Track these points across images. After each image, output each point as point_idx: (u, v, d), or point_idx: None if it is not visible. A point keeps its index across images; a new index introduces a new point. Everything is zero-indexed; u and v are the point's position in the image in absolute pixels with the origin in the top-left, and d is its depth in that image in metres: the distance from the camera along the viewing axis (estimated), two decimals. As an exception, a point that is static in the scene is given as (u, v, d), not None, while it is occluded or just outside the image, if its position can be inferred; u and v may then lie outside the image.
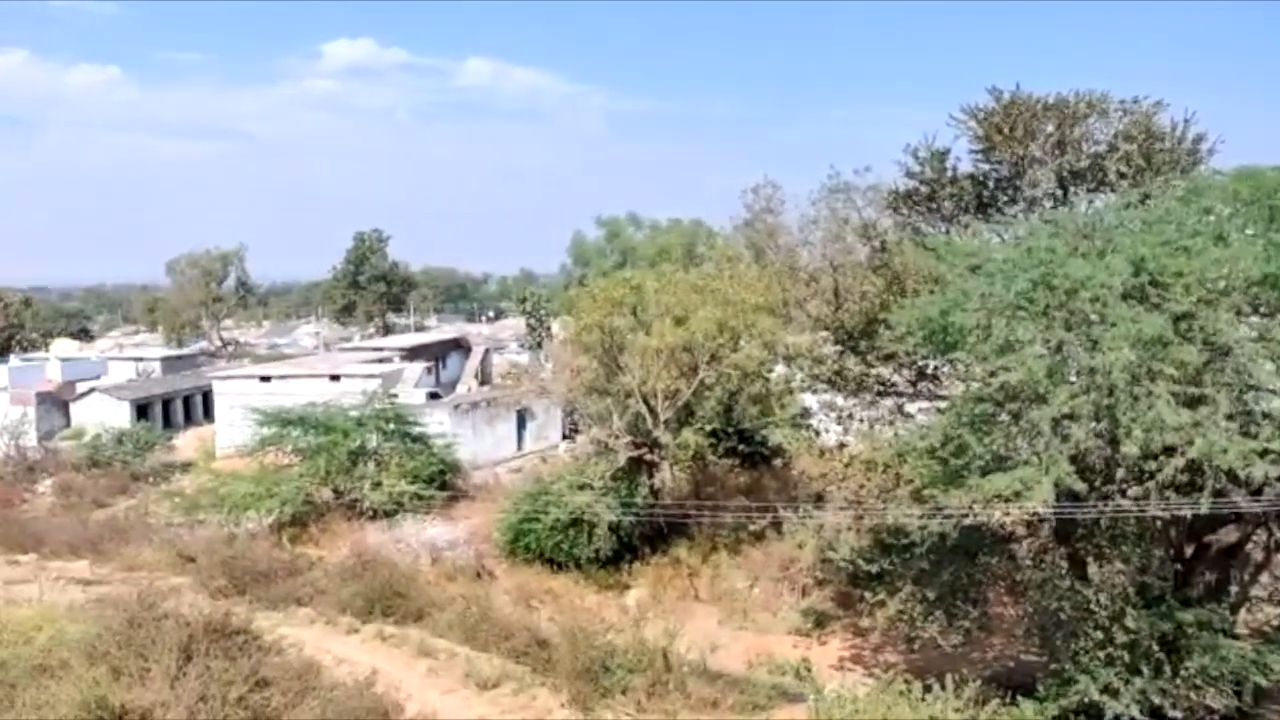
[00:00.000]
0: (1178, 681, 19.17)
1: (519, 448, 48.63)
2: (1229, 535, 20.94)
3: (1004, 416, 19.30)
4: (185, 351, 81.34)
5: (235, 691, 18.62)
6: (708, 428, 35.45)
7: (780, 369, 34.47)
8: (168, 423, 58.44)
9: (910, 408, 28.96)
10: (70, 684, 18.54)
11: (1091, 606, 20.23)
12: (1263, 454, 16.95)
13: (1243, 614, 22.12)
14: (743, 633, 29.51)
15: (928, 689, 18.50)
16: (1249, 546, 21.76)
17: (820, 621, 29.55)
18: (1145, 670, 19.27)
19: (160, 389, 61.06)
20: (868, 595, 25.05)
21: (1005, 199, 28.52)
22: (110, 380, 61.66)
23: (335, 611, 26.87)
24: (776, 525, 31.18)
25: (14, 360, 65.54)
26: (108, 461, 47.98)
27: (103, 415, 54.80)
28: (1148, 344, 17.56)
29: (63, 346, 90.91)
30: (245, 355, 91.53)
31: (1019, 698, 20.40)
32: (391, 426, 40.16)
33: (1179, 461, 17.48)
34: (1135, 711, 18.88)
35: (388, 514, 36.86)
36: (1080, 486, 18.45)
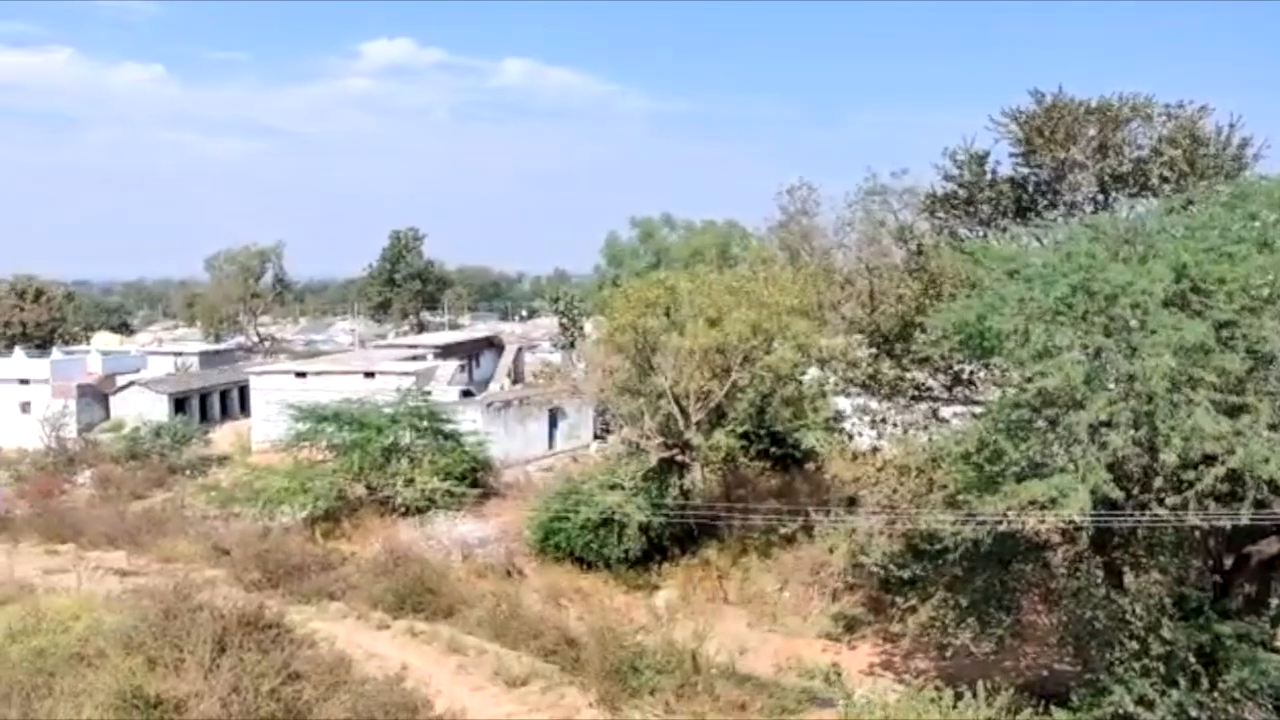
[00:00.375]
0: (1215, 695, 18.82)
1: (550, 447, 48.76)
2: (1270, 546, 20.52)
3: (1040, 422, 19.07)
4: (223, 347, 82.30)
5: (268, 684, 18.81)
6: (740, 429, 35.35)
7: (814, 372, 34.29)
8: (205, 417, 59.17)
9: (945, 412, 28.67)
10: (107, 673, 18.82)
11: (1127, 616, 19.94)
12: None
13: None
14: (772, 636, 29.39)
15: (959, 696, 18.34)
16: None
17: (851, 626, 29.36)
18: (1182, 682, 18.95)
19: (198, 383, 61.85)
20: (899, 601, 24.87)
21: (1045, 203, 28.15)
22: (149, 374, 62.51)
23: (367, 607, 27.09)
24: (807, 529, 31.02)
25: (56, 353, 66.60)
26: (146, 454, 48.69)
27: (141, 408, 55.62)
28: (1189, 351, 17.29)
29: (103, 340, 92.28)
30: (282, 351, 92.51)
31: (1052, 707, 20.15)
32: (424, 424, 40.40)
33: (1219, 471, 17.19)
34: (1171, 724, 18.59)
35: (420, 510, 37.09)
36: (1117, 494, 18.20)
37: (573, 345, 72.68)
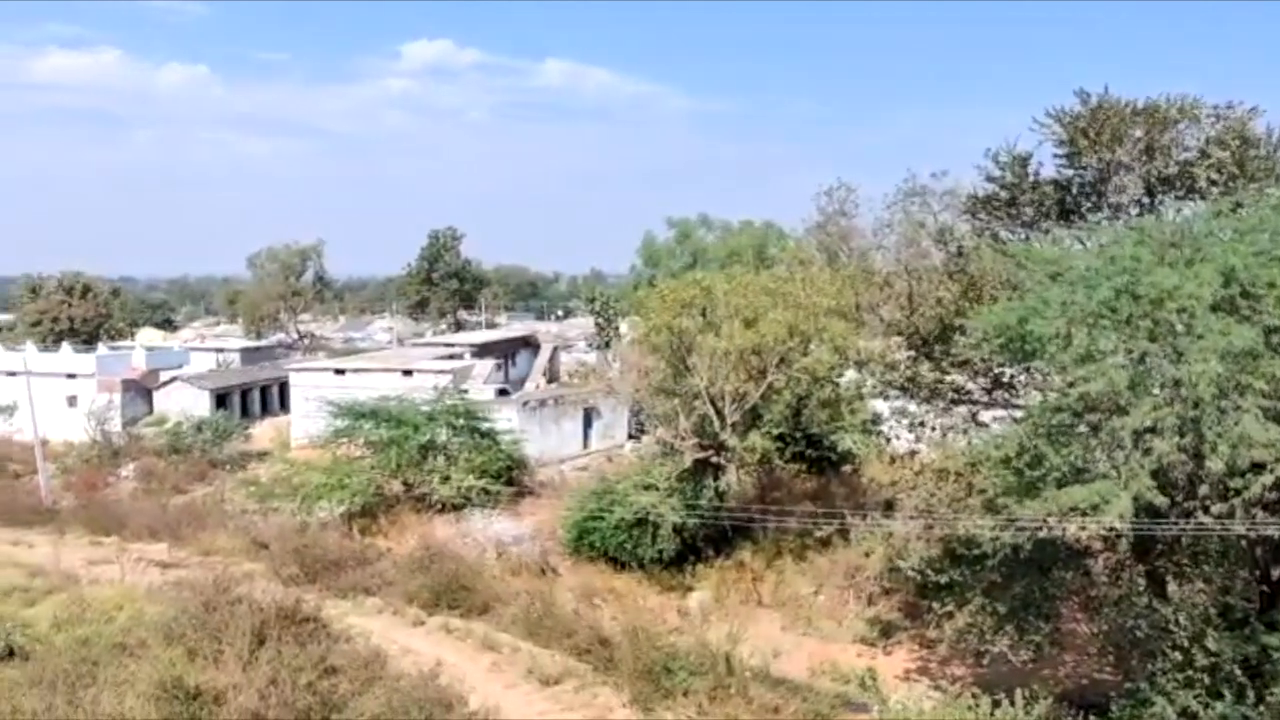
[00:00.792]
0: (1261, 708, 18.47)
1: (585, 446, 48.86)
2: (1320, 557, 20.13)
3: (1083, 428, 18.83)
4: (263, 343, 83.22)
5: (304, 677, 18.97)
6: (775, 431, 35.21)
7: (851, 374, 34.06)
8: (245, 412, 59.85)
9: (984, 416, 28.39)
10: (148, 663, 19.09)
11: (1170, 626, 19.62)
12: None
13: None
14: (806, 639, 29.24)
15: (996, 704, 18.15)
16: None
17: (886, 631, 29.15)
18: (1227, 695, 18.60)
19: (239, 379, 62.64)
20: (936, 606, 24.64)
21: (1089, 205, 27.74)
22: (192, 370, 63.43)
23: (402, 602, 27.26)
24: (843, 532, 30.84)
25: (102, 349, 67.73)
26: (187, 449, 49.34)
27: (184, 403, 56.41)
28: (1237, 357, 17.00)
29: (148, 336, 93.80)
30: (321, 348, 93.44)
31: (1091, 717, 19.89)
32: (461, 421, 40.63)
33: (1267, 479, 16.90)
34: (1215, 737, 18.27)
35: (456, 508, 37.32)
36: (1161, 502, 17.92)
37: (608, 345, 72.82)
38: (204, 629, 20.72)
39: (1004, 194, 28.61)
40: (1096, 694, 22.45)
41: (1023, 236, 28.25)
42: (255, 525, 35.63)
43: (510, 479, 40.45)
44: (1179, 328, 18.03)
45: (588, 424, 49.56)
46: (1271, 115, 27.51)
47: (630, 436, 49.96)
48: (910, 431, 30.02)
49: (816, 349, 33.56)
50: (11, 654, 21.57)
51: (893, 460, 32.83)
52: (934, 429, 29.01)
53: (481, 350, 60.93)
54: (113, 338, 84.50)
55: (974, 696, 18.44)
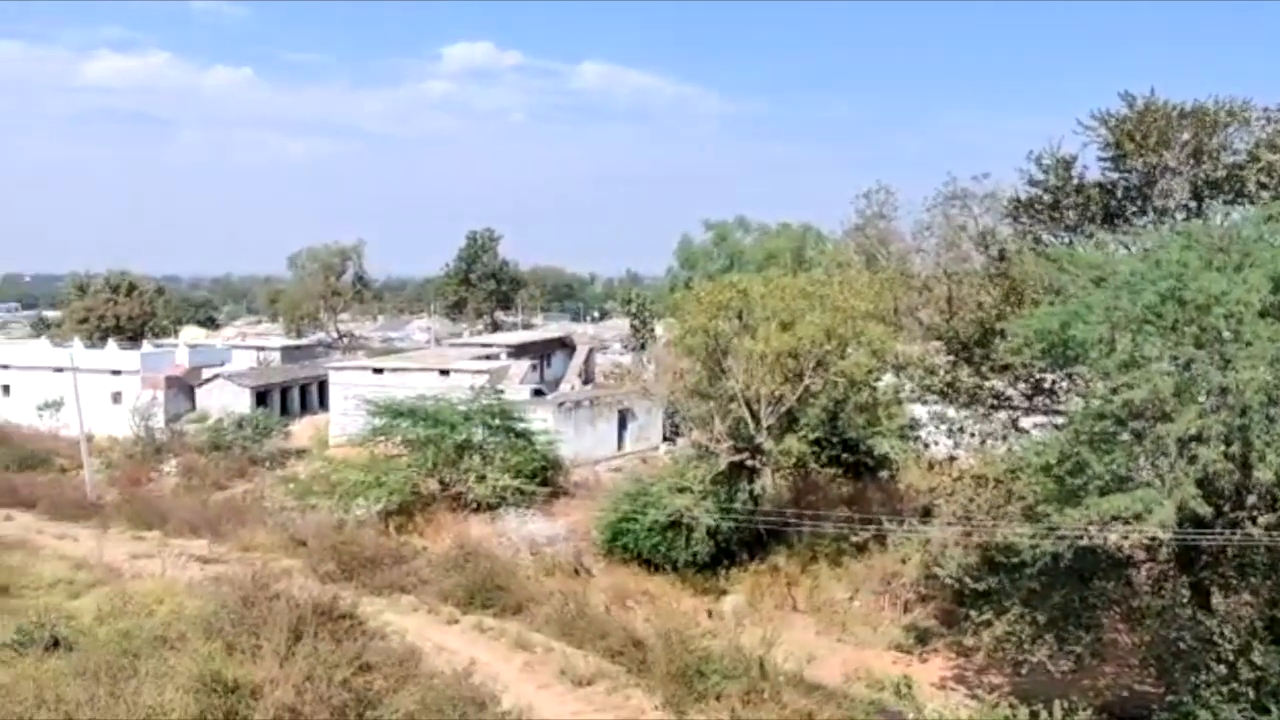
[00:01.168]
0: (1309, 724, 18.07)
1: (619, 447, 48.89)
2: (1372, 571, 19.65)
3: (1126, 435, 18.53)
4: (303, 342, 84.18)
5: (340, 674, 19.11)
6: (811, 435, 34.96)
7: (889, 378, 33.78)
8: (285, 410, 60.54)
9: (1025, 422, 28.01)
10: (188, 656, 19.34)
11: (1215, 638, 19.27)
12: None
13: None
14: (841, 645, 29.03)
15: (1034, 715, 17.86)
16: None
17: (922, 638, 28.85)
18: (1274, 709, 18.24)
19: (279, 377, 63.41)
20: (973, 614, 24.34)
21: (1134, 209, 27.30)
22: (233, 368, 64.31)
23: (437, 601, 27.41)
24: (879, 537, 30.56)
25: (146, 346, 68.84)
26: (228, 445, 50.01)
27: (225, 400, 57.19)
28: (1287, 364, 16.62)
29: (191, 334, 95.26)
30: (360, 347, 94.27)
31: (1133, 729, 19.55)
32: (497, 421, 40.82)
33: (1318, 490, 16.49)
34: (1261, 753, 17.89)
35: (491, 507, 37.47)
36: (1206, 511, 17.59)
37: (644, 347, 72.89)
38: (242, 624, 20.96)
39: (1047, 197, 28.22)
40: (1138, 706, 22.09)
41: (1066, 240, 27.85)
42: (294, 522, 35.99)
43: (545, 479, 40.54)
44: (1226, 334, 17.70)
45: (622, 425, 49.60)
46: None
47: (665, 439, 49.92)
48: (949, 437, 29.71)
49: (854, 352, 33.31)
50: (57, 645, 21.99)
51: (931, 466, 32.52)
52: (973, 435, 28.68)
53: (518, 351, 61.16)
54: (157, 335, 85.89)
55: (1011, 706, 18.21)
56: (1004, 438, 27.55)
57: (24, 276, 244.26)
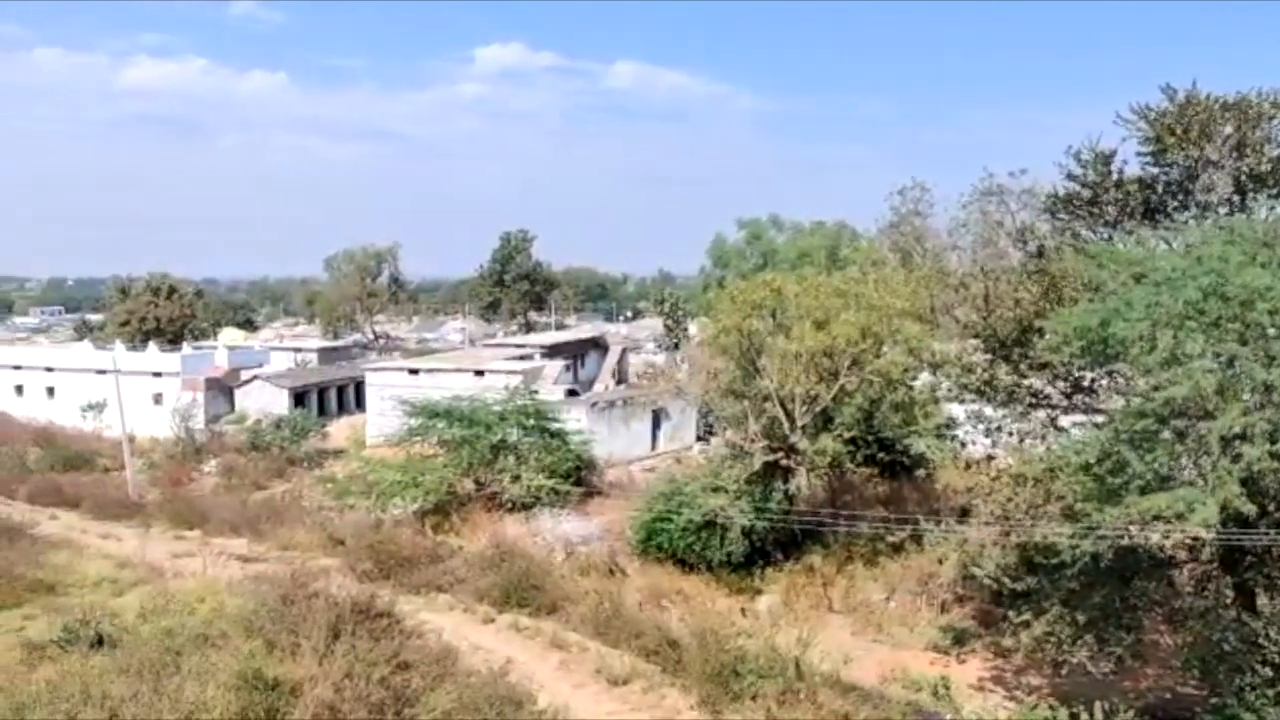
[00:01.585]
0: (1358, 727, 17.72)
1: (653, 447, 48.89)
2: None
3: (1167, 433, 18.25)
4: (340, 343, 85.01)
5: (378, 672, 19.32)
6: (847, 435, 34.73)
7: (925, 377, 33.49)
8: (322, 411, 61.07)
9: (1064, 421, 27.66)
10: (229, 654, 19.64)
11: (1260, 640, 18.94)
12: None
13: None
14: (877, 646, 28.84)
15: (1074, 716, 17.68)
16: None
17: (960, 639, 28.57)
18: (1322, 713, 17.89)
19: (316, 378, 64.05)
20: (1012, 615, 24.09)
21: (1175, 204, 26.88)
22: (271, 369, 65.04)
23: (473, 600, 27.59)
24: (916, 538, 30.34)
25: (186, 348, 69.84)
26: (266, 446, 50.60)
27: (263, 402, 57.88)
28: (1334, 361, 16.30)
29: (229, 336, 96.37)
30: (396, 349, 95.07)
31: (1176, 732, 19.27)
32: (531, 422, 40.93)
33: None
34: (1308, 757, 17.57)
35: (526, 507, 37.60)
36: (1251, 510, 17.30)
37: (677, 346, 72.86)
38: (282, 622, 21.24)
39: (1086, 193, 27.86)
40: (1180, 708, 21.77)
41: (1105, 236, 27.49)
42: (331, 521, 36.39)
43: (579, 479, 40.62)
44: (1271, 330, 17.39)
45: (656, 425, 49.59)
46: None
47: (699, 438, 49.84)
48: (986, 436, 29.39)
49: (890, 351, 33.07)
50: (101, 642, 22.42)
51: (968, 465, 32.20)
52: (1011, 434, 28.37)
53: (551, 351, 61.34)
54: (196, 337, 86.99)
55: (1051, 708, 18.05)
56: (1043, 436, 27.21)
57: (67, 280, 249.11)
